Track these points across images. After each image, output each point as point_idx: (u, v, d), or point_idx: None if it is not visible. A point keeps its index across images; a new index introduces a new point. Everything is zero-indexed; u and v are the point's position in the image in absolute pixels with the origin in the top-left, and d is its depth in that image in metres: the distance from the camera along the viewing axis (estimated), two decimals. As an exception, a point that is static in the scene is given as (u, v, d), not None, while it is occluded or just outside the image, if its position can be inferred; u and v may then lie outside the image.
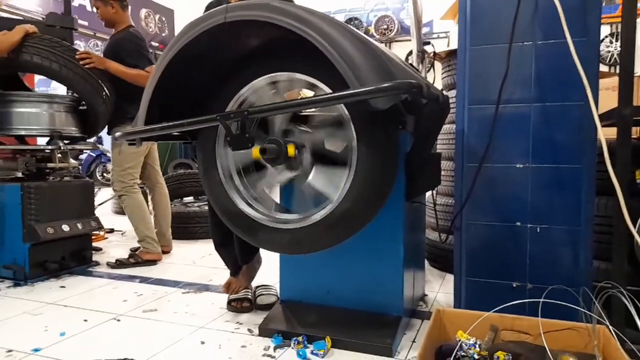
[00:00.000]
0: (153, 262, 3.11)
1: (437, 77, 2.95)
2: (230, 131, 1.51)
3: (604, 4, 5.43)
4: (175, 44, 1.54)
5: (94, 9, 3.09)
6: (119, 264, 3.02)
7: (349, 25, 1.44)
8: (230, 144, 1.55)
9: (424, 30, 6.28)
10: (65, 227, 2.78)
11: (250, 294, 2.24)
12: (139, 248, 3.19)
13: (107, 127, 3.09)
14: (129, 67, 2.92)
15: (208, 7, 2.18)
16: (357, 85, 1.27)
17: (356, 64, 1.29)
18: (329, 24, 1.35)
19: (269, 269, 2.39)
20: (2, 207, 2.68)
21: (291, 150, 1.53)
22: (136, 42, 3.00)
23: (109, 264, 3.03)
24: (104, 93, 2.82)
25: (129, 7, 3.14)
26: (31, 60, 2.60)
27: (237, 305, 2.16)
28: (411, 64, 2.33)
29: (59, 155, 2.88)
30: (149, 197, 3.48)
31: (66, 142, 2.92)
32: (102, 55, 3.02)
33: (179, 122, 1.56)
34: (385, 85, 1.24)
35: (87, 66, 2.74)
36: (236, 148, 1.53)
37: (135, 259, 3.07)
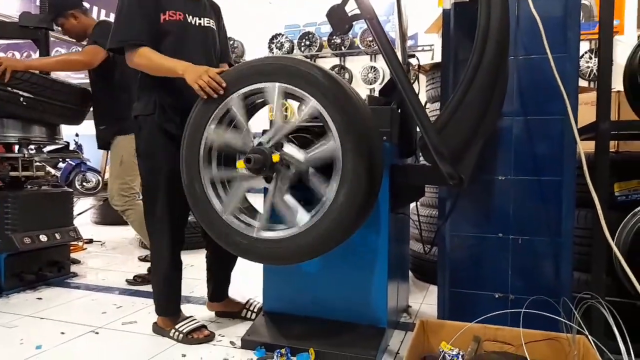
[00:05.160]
0: None
1: (421, 90, 2.99)
2: None
3: (583, 21, 5.58)
4: None
5: (60, 31, 2.93)
6: (141, 280, 2.82)
7: None
8: None
9: (409, 43, 6.36)
10: (43, 237, 2.72)
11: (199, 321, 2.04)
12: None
13: (97, 140, 2.92)
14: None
15: None
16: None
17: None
18: None
19: (253, 280, 2.37)
20: (-23, 217, 2.61)
21: (276, 157, 1.54)
22: (95, 31, 2.76)
23: (127, 281, 2.84)
24: (20, 99, 2.57)
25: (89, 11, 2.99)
26: None
27: (199, 336, 1.94)
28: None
29: (36, 163, 2.81)
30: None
31: (34, 148, 2.82)
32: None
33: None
34: (447, 166, 1.48)
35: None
36: None
37: None
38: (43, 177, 2.88)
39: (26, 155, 2.72)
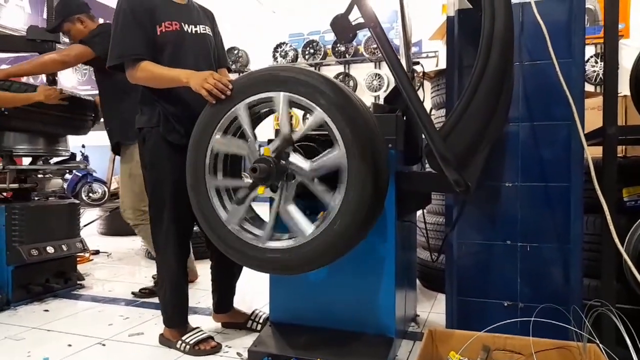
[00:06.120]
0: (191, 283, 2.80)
1: (426, 96, 2.98)
2: None
3: (588, 25, 5.57)
4: None
5: (66, 39, 2.85)
6: (148, 292, 2.75)
7: None
8: None
9: (413, 50, 6.36)
10: (50, 249, 2.73)
11: (206, 332, 2.04)
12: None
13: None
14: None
15: None
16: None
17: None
18: None
19: (259, 290, 2.36)
20: (-15, 229, 2.62)
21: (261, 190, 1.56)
22: (91, 32, 2.71)
23: (134, 294, 2.78)
24: (2, 108, 2.54)
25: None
26: None
27: (206, 347, 1.94)
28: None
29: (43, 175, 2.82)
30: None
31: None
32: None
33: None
34: (453, 173, 1.47)
35: None
36: None
37: None
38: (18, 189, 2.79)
39: (2, 167, 2.67)
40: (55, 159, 3.12)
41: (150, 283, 2.94)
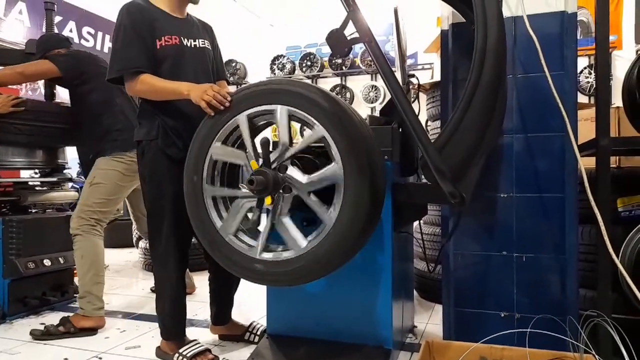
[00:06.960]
0: (92, 331, 2.37)
1: (422, 108, 3.00)
2: None
3: (581, 37, 5.63)
4: None
5: None
6: (46, 333, 2.31)
7: None
8: None
9: (409, 62, 6.41)
10: (47, 262, 2.72)
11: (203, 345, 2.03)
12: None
13: (81, 166, 2.79)
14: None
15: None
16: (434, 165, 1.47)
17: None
18: None
19: (257, 302, 2.35)
20: (-18, 242, 2.61)
21: (268, 201, 1.54)
22: (61, 54, 2.69)
23: (32, 334, 2.31)
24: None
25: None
26: None
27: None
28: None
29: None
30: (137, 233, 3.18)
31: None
32: None
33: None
34: (448, 185, 1.46)
35: None
36: None
37: (67, 327, 2.33)
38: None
39: None
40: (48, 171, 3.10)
41: (145, 294, 2.91)
